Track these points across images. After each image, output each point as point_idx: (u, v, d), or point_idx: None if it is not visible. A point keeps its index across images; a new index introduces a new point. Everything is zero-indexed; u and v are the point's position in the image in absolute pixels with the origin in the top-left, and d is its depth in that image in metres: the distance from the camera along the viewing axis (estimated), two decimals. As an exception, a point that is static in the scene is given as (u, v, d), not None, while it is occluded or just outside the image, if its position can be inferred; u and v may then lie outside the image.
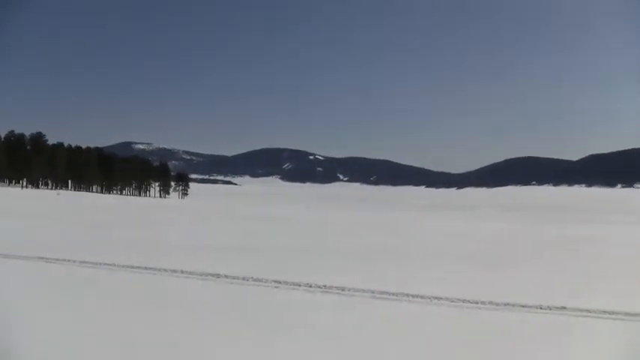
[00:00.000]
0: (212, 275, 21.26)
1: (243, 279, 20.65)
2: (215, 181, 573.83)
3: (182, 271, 21.91)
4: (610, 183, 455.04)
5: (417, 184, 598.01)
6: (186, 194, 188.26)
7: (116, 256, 25.50)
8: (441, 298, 17.83)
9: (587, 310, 16.51)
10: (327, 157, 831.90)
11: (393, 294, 18.39)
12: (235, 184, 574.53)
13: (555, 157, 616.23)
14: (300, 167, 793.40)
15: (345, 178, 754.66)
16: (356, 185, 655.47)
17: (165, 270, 22.24)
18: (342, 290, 18.87)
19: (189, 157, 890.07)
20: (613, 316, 16.03)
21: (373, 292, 18.55)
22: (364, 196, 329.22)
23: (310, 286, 19.46)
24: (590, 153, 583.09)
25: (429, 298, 17.83)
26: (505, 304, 17.11)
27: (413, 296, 18.09)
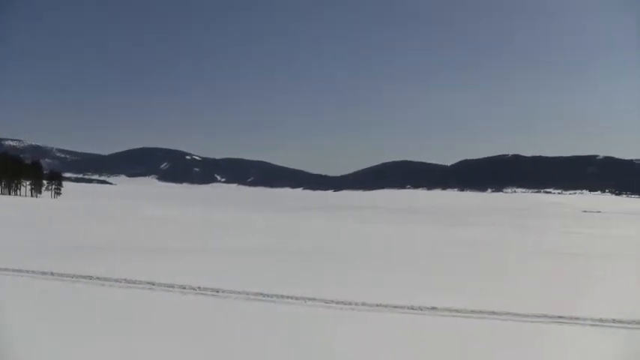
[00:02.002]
0: (83, 277, 20.46)
1: (116, 281, 20.00)
2: (90, 181, 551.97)
3: (52, 273, 20.94)
4: (481, 187, 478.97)
5: (294, 185, 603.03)
6: (60, 194, 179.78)
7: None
8: (315, 299, 18.02)
9: (457, 310, 17.22)
10: (204, 158, 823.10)
11: (268, 295, 18.41)
12: (111, 183, 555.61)
13: (430, 161, 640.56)
14: (177, 167, 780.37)
15: (223, 179, 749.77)
16: (233, 186, 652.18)
17: (34, 272, 21.19)
18: (217, 292, 18.68)
19: (63, 156, 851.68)
20: (481, 315, 16.82)
21: (248, 294, 18.48)
22: (240, 197, 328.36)
23: (184, 288, 19.14)
24: (463, 158, 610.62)
25: (303, 299, 17.98)
26: (377, 305, 17.54)
27: (287, 297, 18.19)
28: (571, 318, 16.60)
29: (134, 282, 19.85)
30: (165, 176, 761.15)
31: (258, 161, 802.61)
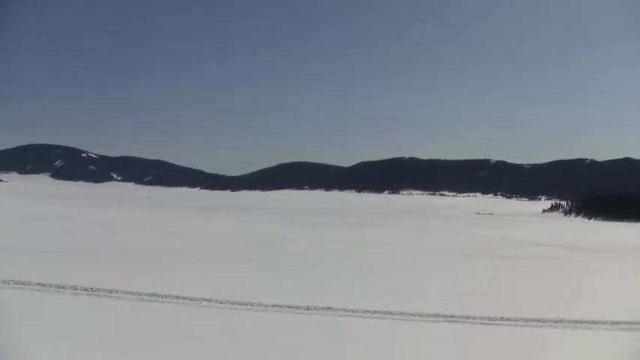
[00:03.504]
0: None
1: (4, 282, 19.13)
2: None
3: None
4: (378, 189, 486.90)
5: (192, 185, 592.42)
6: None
7: None
8: (210, 300, 17.93)
9: (352, 310, 17.54)
10: (100, 156, 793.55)
11: (162, 296, 18.18)
12: (0, 180, 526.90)
13: (328, 162, 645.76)
14: (72, 165, 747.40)
15: (119, 178, 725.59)
16: (130, 185, 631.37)
17: None
18: (110, 292, 18.27)
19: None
20: (376, 315, 17.22)
21: (142, 295, 18.18)
22: (136, 196, 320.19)
23: (76, 289, 18.58)
24: (361, 160, 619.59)
25: (199, 300, 17.86)
26: (273, 306, 17.66)
27: (183, 298, 18.02)
28: (462, 317, 17.26)
29: (23, 283, 19.08)
30: (59, 174, 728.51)
31: (157, 160, 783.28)
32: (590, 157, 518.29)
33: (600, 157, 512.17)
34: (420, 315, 17.36)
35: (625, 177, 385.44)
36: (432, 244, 56.75)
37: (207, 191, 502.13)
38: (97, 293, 18.23)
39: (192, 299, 18.00)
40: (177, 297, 18.17)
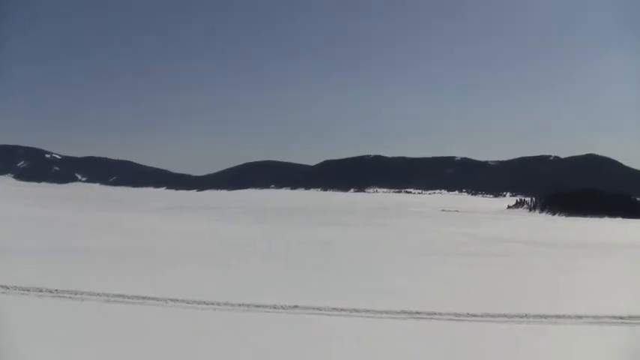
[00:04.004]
0: None
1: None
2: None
3: None
4: (344, 187, 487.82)
5: (157, 185, 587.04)
6: None
7: None
8: (177, 300, 17.85)
9: (319, 309, 17.59)
10: (64, 156, 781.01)
11: (128, 297, 18.04)
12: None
13: (293, 161, 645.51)
14: (36, 166, 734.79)
15: (84, 179, 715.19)
16: (95, 186, 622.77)
17: None
18: (76, 294, 18.07)
19: None
20: (344, 312, 17.29)
21: (108, 296, 18.01)
22: (103, 197, 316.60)
23: (41, 291, 18.31)
24: (326, 158, 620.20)
25: (164, 300, 17.74)
26: (240, 305, 17.64)
27: (147, 298, 17.89)
28: (428, 313, 17.41)
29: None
30: (22, 175, 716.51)
31: (122, 160, 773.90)
32: (553, 154, 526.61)
33: (564, 153, 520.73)
34: (386, 312, 17.46)
35: (588, 173, 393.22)
36: (403, 243, 57.07)
37: (173, 191, 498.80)
38: (62, 295, 18.00)
39: (157, 299, 17.88)
40: (143, 297, 18.03)
